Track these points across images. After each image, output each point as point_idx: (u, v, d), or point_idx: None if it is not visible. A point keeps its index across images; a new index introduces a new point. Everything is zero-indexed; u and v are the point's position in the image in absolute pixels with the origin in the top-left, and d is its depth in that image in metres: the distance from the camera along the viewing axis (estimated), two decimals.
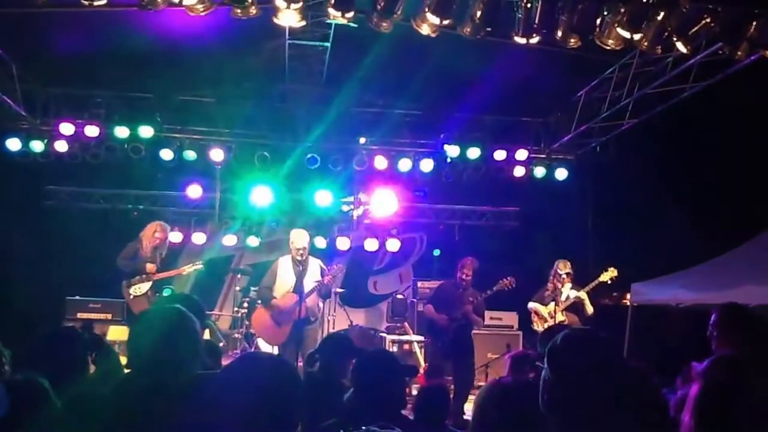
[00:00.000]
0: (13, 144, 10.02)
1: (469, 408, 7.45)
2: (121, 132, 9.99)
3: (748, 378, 2.26)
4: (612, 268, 8.37)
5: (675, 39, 6.33)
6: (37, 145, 10.08)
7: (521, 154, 10.91)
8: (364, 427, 1.66)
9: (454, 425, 6.21)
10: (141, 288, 8.82)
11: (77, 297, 9.78)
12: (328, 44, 8.04)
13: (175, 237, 11.16)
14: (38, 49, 8.73)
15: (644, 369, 3.03)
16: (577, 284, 8.45)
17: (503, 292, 8.52)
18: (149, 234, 8.93)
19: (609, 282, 8.40)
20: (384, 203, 11.23)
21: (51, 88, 10.20)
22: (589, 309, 8.30)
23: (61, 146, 10.12)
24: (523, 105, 10.63)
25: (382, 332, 10.86)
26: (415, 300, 11.30)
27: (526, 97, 10.09)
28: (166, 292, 9.66)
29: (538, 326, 8.47)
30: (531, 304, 8.54)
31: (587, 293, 8.30)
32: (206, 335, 9.81)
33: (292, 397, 1.92)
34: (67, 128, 9.96)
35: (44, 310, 9.38)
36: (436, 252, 12.07)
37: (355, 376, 3.48)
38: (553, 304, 8.24)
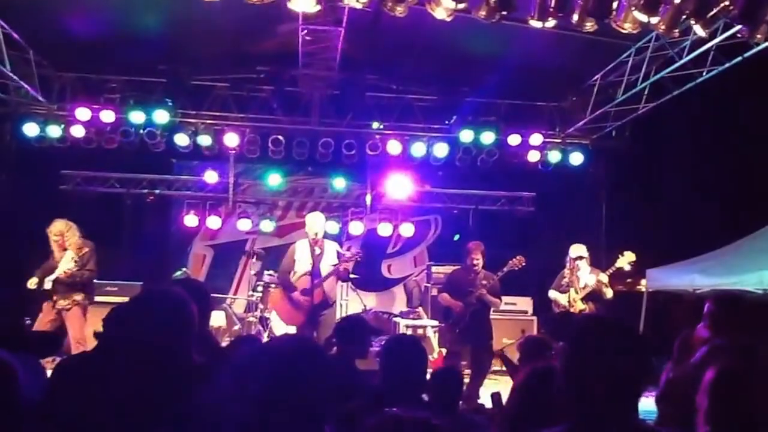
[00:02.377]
0: (31, 129, 10.11)
1: (483, 392, 7.46)
2: (137, 117, 10.06)
3: (757, 363, 2.29)
4: (629, 252, 8.03)
5: (693, 22, 6.26)
6: (53, 131, 10.15)
7: (536, 139, 10.84)
8: (386, 409, 1.67)
9: (469, 408, 6.24)
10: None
11: (94, 280, 9.81)
12: (341, 29, 8.02)
13: (191, 221, 11.25)
14: (54, 35, 8.77)
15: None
16: (594, 269, 8.29)
17: (517, 277, 8.44)
18: (50, 235, 7.67)
19: (629, 267, 8.06)
20: (398, 187, 11.24)
21: (66, 73, 10.25)
22: (608, 293, 8.03)
23: (77, 131, 10.18)
24: (538, 89, 10.55)
25: (396, 316, 10.88)
26: (429, 285, 11.30)
27: (540, 81, 10.02)
28: (178, 274, 9.74)
29: None
30: (551, 293, 8.44)
31: (606, 278, 8.11)
32: (221, 320, 10.00)
33: (317, 378, 1.92)
34: (83, 113, 10.00)
35: None
36: (456, 237, 12.02)
37: (385, 357, 3.48)
38: (572, 291, 8.10)
